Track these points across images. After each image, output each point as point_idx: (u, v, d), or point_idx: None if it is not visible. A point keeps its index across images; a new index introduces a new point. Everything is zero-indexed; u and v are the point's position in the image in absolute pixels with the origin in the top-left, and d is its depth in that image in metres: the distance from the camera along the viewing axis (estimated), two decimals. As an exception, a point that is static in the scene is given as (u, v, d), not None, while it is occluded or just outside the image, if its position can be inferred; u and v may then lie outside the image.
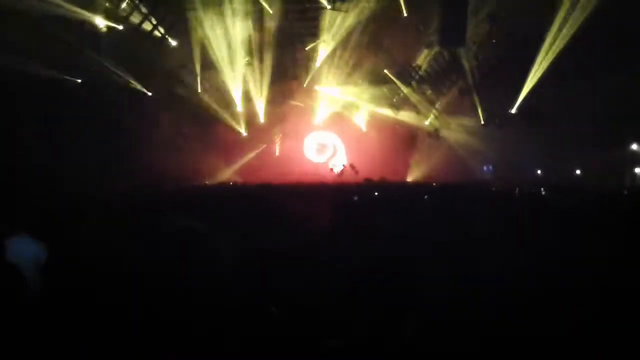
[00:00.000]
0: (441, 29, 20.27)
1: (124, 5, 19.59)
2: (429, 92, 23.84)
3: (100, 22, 18.88)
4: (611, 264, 6.59)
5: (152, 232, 7.70)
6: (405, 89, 23.69)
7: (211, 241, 7.55)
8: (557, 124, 21.16)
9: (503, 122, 22.36)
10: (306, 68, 23.34)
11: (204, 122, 22.54)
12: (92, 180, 15.33)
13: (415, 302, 5.85)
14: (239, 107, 23.00)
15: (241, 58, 22.05)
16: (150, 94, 21.12)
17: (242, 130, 23.51)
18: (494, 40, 21.09)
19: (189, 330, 5.17)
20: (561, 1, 19.14)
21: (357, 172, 22.59)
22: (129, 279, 6.27)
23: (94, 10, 18.52)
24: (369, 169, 23.38)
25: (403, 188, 17.78)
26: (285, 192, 15.36)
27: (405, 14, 20.97)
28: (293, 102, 24.18)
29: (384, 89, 23.97)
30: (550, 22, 19.80)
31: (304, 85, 23.60)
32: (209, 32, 21.22)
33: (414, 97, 23.93)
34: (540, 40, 20.15)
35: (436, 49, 22.11)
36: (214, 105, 22.78)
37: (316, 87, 23.74)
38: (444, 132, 23.93)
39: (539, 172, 24.51)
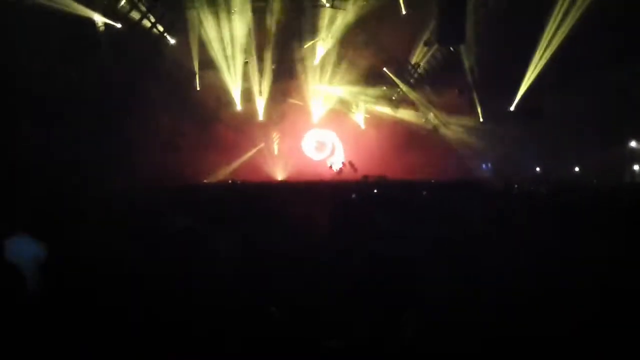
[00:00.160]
0: (440, 26, 20.24)
1: (122, 2, 19.57)
2: (427, 89, 23.81)
3: (99, 19, 18.86)
4: (611, 263, 6.60)
5: (152, 233, 7.71)
6: (404, 87, 23.68)
7: (211, 241, 7.56)
8: (556, 122, 21.16)
9: (502, 119, 22.35)
10: (305, 66, 23.31)
11: (203, 121, 22.51)
12: (92, 180, 15.30)
13: (415, 302, 5.86)
14: (238, 105, 22.97)
15: (240, 56, 22.02)
16: (149, 92, 21.07)
17: (241, 128, 23.47)
18: (493, 38, 21.06)
19: (189, 331, 5.18)
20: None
21: (355, 170, 22.58)
22: (129, 279, 6.27)
23: (94, 7, 18.52)
24: (367, 167, 23.40)
25: (402, 186, 17.75)
26: (284, 190, 15.39)
27: (404, 12, 20.96)
28: (292, 101, 24.15)
29: (383, 87, 23.95)
30: (549, 20, 19.80)
31: (303, 84, 23.58)
32: (207, 30, 21.19)
33: (413, 95, 23.91)
34: (540, 38, 20.15)
35: (435, 46, 22.10)
36: (213, 104, 22.75)
37: (315, 86, 23.71)
38: (443, 130, 23.92)
39: (537, 169, 24.51)
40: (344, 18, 21.57)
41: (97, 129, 18.27)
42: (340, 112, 24.90)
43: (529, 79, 21.21)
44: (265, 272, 6.63)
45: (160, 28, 20.83)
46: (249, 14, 21.32)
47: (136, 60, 20.09)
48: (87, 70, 18.74)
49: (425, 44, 22.25)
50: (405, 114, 24.51)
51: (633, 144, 23.47)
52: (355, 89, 23.90)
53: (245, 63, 22.22)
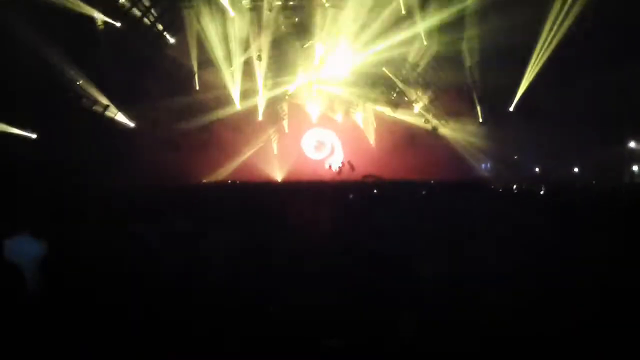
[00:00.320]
0: (439, 25, 20.32)
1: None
2: (427, 90, 23.80)
3: (100, 17, 18.87)
4: (610, 263, 6.60)
5: (152, 232, 7.70)
6: (403, 87, 23.67)
7: (210, 241, 7.56)
8: (555, 122, 21.16)
9: (501, 120, 22.35)
10: (304, 66, 23.30)
11: (202, 121, 22.51)
12: (92, 180, 15.32)
13: (414, 301, 5.86)
14: (237, 105, 22.95)
15: (239, 55, 22.01)
16: (149, 92, 21.06)
17: (240, 128, 23.45)
18: (493, 38, 21.06)
19: (189, 330, 5.18)
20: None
21: (353, 170, 22.59)
22: (129, 279, 6.27)
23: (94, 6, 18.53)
24: (366, 167, 23.41)
25: (401, 186, 17.76)
26: (283, 190, 15.39)
27: (405, 13, 20.99)
28: (291, 100, 24.15)
29: (382, 87, 23.94)
30: (549, 20, 19.80)
31: (302, 83, 23.57)
32: (207, 29, 21.18)
33: (412, 95, 23.91)
34: (539, 38, 20.15)
35: (435, 46, 22.10)
36: (212, 104, 22.74)
37: (314, 85, 23.70)
38: (442, 130, 23.92)
39: (537, 169, 24.51)
40: (343, 18, 21.56)
41: (97, 128, 18.28)
42: (339, 112, 24.89)
43: (528, 79, 21.20)
44: (265, 272, 6.63)
45: (160, 27, 20.82)
46: (248, 14, 21.31)
47: (136, 59, 20.07)
48: (87, 68, 18.75)
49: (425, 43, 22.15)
50: (405, 114, 24.50)
51: (632, 144, 23.49)
52: (355, 89, 23.89)
53: (258, 56, 22.09)
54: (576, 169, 24.04)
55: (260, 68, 22.54)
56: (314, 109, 24.52)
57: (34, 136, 17.88)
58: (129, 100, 20.57)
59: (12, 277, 5.81)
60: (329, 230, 8.76)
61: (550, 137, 21.64)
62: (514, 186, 17.62)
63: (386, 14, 21.30)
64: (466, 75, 22.45)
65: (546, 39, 20.14)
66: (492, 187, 17.12)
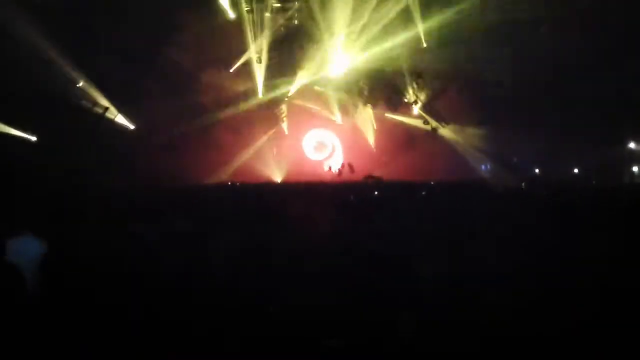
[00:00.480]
0: (439, 26, 20.33)
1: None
2: (427, 90, 23.80)
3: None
4: (610, 263, 6.60)
5: (152, 232, 7.70)
6: (403, 88, 23.68)
7: (210, 241, 7.56)
8: (555, 123, 21.17)
9: (501, 120, 22.34)
10: (304, 67, 23.31)
11: (202, 121, 22.51)
12: (92, 180, 15.32)
13: (414, 301, 5.86)
14: (237, 106, 22.95)
15: (238, 58, 22.03)
16: (148, 93, 21.05)
17: (240, 130, 23.45)
18: (492, 38, 21.07)
19: (189, 330, 5.18)
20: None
21: (353, 171, 22.59)
22: (129, 279, 6.27)
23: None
24: (366, 168, 23.41)
25: (401, 187, 17.76)
26: (283, 191, 15.39)
27: (404, 13, 20.99)
28: (291, 102, 24.15)
29: (382, 88, 23.95)
30: (549, 20, 19.81)
31: (302, 85, 23.58)
32: (207, 31, 21.17)
33: (412, 96, 23.92)
34: (539, 38, 20.16)
35: (435, 46, 22.11)
36: (212, 105, 22.75)
37: (315, 86, 23.72)
38: (442, 131, 23.92)
39: (536, 170, 24.52)
40: (344, 19, 21.57)
41: (96, 129, 18.29)
42: (339, 113, 24.90)
43: (528, 79, 21.18)
44: (265, 272, 6.62)
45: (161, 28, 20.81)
46: (249, 14, 21.33)
47: (136, 60, 20.07)
48: (87, 69, 18.76)
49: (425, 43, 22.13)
50: (405, 115, 24.52)
51: (632, 144, 23.50)
52: (355, 90, 23.90)
53: (258, 58, 22.08)
54: (576, 170, 24.05)
55: (260, 70, 22.55)
56: (314, 111, 24.53)
57: (34, 138, 17.89)
58: (128, 102, 20.58)
59: (11, 278, 5.81)
60: (329, 231, 8.75)
61: (550, 137, 21.65)
62: (514, 187, 17.63)
63: (386, 14, 21.32)
64: (466, 75, 22.44)
65: (547, 39, 20.15)
66: (492, 187, 17.11)
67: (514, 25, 19.84)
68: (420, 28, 21.78)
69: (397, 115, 24.48)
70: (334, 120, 24.94)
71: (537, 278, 6.27)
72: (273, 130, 24.50)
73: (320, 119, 24.83)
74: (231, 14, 21.23)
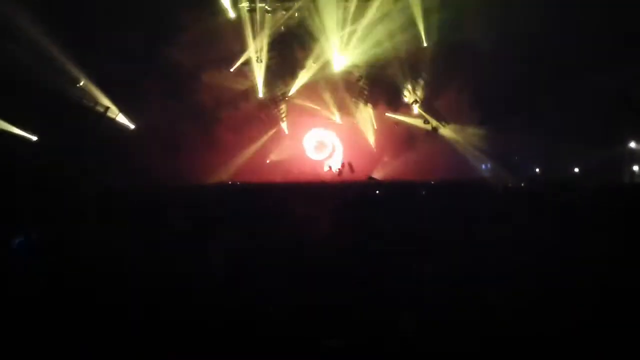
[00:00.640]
0: (439, 25, 20.27)
1: None
2: (427, 90, 23.76)
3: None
4: (611, 263, 6.60)
5: (152, 232, 7.71)
6: (404, 88, 23.63)
7: (211, 241, 7.56)
8: (555, 122, 21.12)
9: (501, 120, 22.31)
10: (304, 66, 23.27)
11: (203, 121, 22.47)
12: (92, 180, 15.31)
13: (414, 301, 5.86)
14: (238, 106, 22.92)
15: (238, 56, 21.99)
16: (149, 93, 21.02)
17: (241, 129, 23.42)
18: (492, 37, 21.04)
19: (189, 330, 5.18)
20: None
21: (353, 171, 22.52)
22: (129, 278, 6.28)
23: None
24: (366, 168, 23.38)
25: (401, 186, 17.76)
26: (284, 191, 15.37)
27: (404, 13, 20.94)
28: (291, 101, 24.12)
29: (383, 88, 23.89)
30: (549, 19, 19.76)
31: (304, 84, 23.54)
32: (207, 30, 21.13)
33: (413, 96, 23.86)
34: (539, 37, 20.11)
35: (434, 46, 22.06)
36: (213, 105, 22.71)
37: (315, 85, 23.68)
38: (442, 131, 23.87)
39: (537, 170, 24.47)
40: (344, 18, 21.54)
41: (97, 128, 18.28)
42: (340, 113, 24.85)
43: (529, 79, 21.15)
44: (265, 272, 6.63)
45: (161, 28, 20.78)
46: (250, 15, 21.29)
47: (136, 59, 20.05)
48: (88, 69, 18.75)
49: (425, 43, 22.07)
50: (405, 115, 24.47)
51: (632, 144, 23.46)
52: (355, 89, 23.87)
53: (258, 58, 22.04)
54: (576, 169, 24.01)
55: (260, 69, 22.51)
56: (314, 110, 24.48)
57: (34, 137, 17.87)
58: (129, 101, 20.54)
59: (11, 276, 5.82)
60: (329, 231, 8.76)
61: (551, 137, 21.62)
62: (514, 186, 17.61)
63: (386, 13, 21.29)
64: (466, 75, 22.41)
65: (547, 39, 20.11)
66: (492, 187, 17.10)
67: (513, 24, 19.79)
68: (421, 27, 21.72)
69: (397, 114, 24.43)
70: (334, 120, 24.90)
71: (537, 278, 6.27)
72: (273, 130, 24.47)
73: (320, 118, 24.78)
74: (231, 14, 21.18)
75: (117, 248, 7.07)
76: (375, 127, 24.45)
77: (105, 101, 19.83)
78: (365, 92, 23.96)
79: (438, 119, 23.92)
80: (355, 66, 23.11)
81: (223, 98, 22.73)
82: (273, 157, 24.35)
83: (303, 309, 5.64)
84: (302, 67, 23.27)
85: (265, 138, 24.17)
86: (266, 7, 21.18)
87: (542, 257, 7.05)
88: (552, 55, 20.10)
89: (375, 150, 23.98)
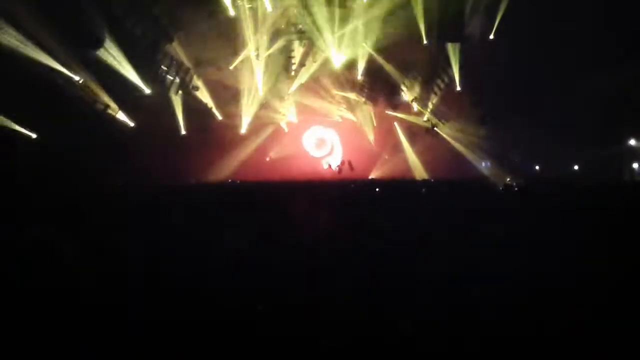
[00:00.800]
0: (438, 24, 20.26)
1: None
2: (427, 88, 23.77)
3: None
4: (611, 263, 6.60)
5: (152, 232, 7.71)
6: (403, 86, 23.65)
7: (210, 241, 7.57)
8: (555, 120, 21.15)
9: (501, 119, 22.33)
10: (305, 64, 23.28)
11: (201, 120, 22.50)
12: (92, 180, 15.32)
13: (414, 301, 5.86)
14: (237, 104, 22.93)
15: (238, 54, 21.99)
16: (148, 92, 21.02)
17: (240, 127, 23.44)
18: (492, 37, 21.04)
19: (189, 330, 5.18)
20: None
21: (352, 169, 22.57)
22: (129, 278, 6.28)
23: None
24: (366, 166, 23.43)
25: (401, 185, 17.78)
26: (283, 189, 15.36)
27: (403, 11, 20.93)
28: (291, 99, 24.13)
29: (383, 86, 23.90)
30: (549, 18, 19.76)
31: (303, 82, 23.55)
32: (206, 28, 21.11)
33: (413, 94, 23.88)
34: (539, 36, 20.12)
35: (434, 44, 22.05)
36: (211, 103, 22.74)
37: (315, 84, 23.70)
38: (442, 129, 23.90)
39: (537, 169, 24.51)
40: (344, 17, 21.53)
41: (97, 128, 18.28)
42: (340, 110, 24.87)
43: (528, 77, 21.16)
44: (265, 272, 6.63)
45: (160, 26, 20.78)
46: (248, 12, 21.26)
47: (136, 58, 20.06)
48: (87, 67, 18.74)
49: (425, 42, 22.10)
50: (405, 113, 24.49)
51: (632, 142, 23.47)
52: (355, 87, 23.89)
53: (257, 55, 22.05)
54: (576, 167, 24.04)
55: (260, 67, 22.50)
56: (313, 108, 24.50)
57: (34, 137, 17.86)
58: (129, 100, 20.54)
59: (11, 276, 5.83)
60: (328, 230, 8.75)
61: (550, 135, 21.64)
62: (514, 184, 17.60)
63: (387, 10, 21.28)
64: (467, 74, 22.43)
65: (548, 37, 20.11)
66: (492, 186, 17.12)
67: (514, 24, 19.81)
68: (422, 25, 21.71)
69: (397, 112, 24.45)
70: (334, 118, 24.92)
71: (537, 278, 6.27)
72: (273, 128, 24.49)
73: (320, 116, 24.81)
74: (231, 11, 21.15)
75: (117, 248, 7.08)
76: (375, 124, 24.49)
77: (105, 99, 19.82)
78: (365, 90, 24.00)
79: (438, 117, 23.96)
80: (355, 63, 23.13)
81: (222, 97, 22.76)
82: (273, 154, 24.38)
83: (302, 308, 5.65)
84: (301, 64, 23.28)
85: (264, 136, 24.20)
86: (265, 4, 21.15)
87: (542, 256, 7.05)
88: (552, 54, 20.09)
89: (374, 148, 24.03)
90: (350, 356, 5.03)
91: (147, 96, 20.71)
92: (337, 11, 21.50)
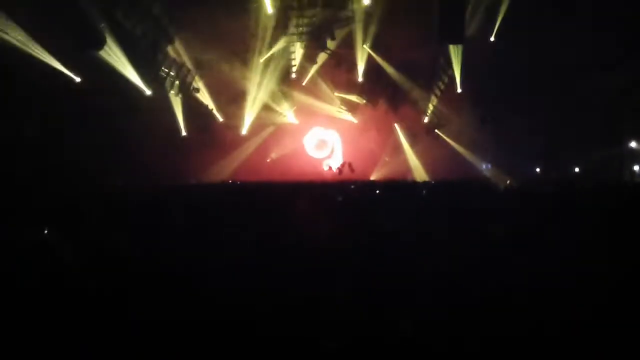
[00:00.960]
0: (439, 25, 20.28)
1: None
2: (428, 89, 23.79)
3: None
4: (611, 263, 6.59)
5: (152, 232, 7.70)
6: (405, 87, 23.66)
7: (210, 241, 7.56)
8: (556, 121, 21.16)
9: (502, 119, 22.33)
10: (306, 65, 23.29)
11: (202, 120, 22.53)
12: (92, 180, 15.33)
13: (414, 301, 5.86)
14: (238, 105, 22.95)
15: (239, 54, 22.01)
16: (148, 92, 21.03)
17: (241, 128, 23.46)
18: (492, 38, 21.05)
19: (189, 330, 5.18)
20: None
21: (352, 171, 22.57)
22: (129, 279, 6.28)
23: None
24: (367, 167, 23.43)
25: (401, 186, 17.76)
26: (283, 189, 15.34)
27: (405, 12, 20.94)
28: (293, 99, 24.15)
29: (384, 87, 23.92)
30: (549, 19, 19.77)
31: (304, 83, 23.57)
32: (208, 28, 21.12)
33: (414, 95, 23.90)
34: (540, 37, 20.13)
35: (435, 45, 22.06)
36: (213, 104, 22.76)
37: (316, 84, 23.71)
38: (443, 130, 23.92)
39: (537, 169, 24.52)
40: (345, 15, 21.59)
41: (96, 128, 18.30)
42: (341, 112, 24.88)
43: (529, 78, 21.17)
44: (265, 272, 6.62)
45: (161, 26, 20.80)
46: (249, 13, 21.29)
47: (136, 58, 20.08)
48: (87, 68, 18.76)
49: (426, 43, 22.12)
50: (406, 114, 24.50)
51: (633, 144, 23.47)
52: (356, 88, 23.91)
53: (259, 56, 22.09)
54: (577, 169, 24.04)
55: (260, 67, 22.53)
56: (314, 109, 24.50)
57: (34, 137, 17.87)
58: (129, 100, 20.56)
59: (11, 275, 5.83)
60: (329, 230, 8.74)
61: (551, 136, 21.65)
62: (514, 185, 17.62)
63: (388, 12, 21.30)
64: (467, 74, 22.43)
65: (548, 38, 20.12)
66: (493, 186, 17.10)
67: (514, 24, 19.82)
68: (423, 25, 21.72)
69: (398, 113, 24.47)
70: (335, 119, 24.93)
71: (537, 278, 6.27)
72: (274, 129, 24.50)
73: (321, 117, 24.81)
74: (232, 12, 21.17)
75: (117, 248, 7.07)
76: (376, 126, 24.51)
77: (105, 99, 19.81)
78: (366, 91, 24.01)
79: (438, 119, 23.97)
80: (357, 64, 23.16)
81: (223, 97, 22.79)
82: (273, 155, 24.39)
83: (302, 308, 5.64)
84: (302, 65, 23.31)
85: (265, 137, 24.21)
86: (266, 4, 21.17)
87: (542, 256, 7.04)
88: (552, 55, 20.10)
89: (375, 149, 24.04)
90: (350, 356, 5.03)
91: (148, 96, 20.73)
92: (339, 11, 21.56)
